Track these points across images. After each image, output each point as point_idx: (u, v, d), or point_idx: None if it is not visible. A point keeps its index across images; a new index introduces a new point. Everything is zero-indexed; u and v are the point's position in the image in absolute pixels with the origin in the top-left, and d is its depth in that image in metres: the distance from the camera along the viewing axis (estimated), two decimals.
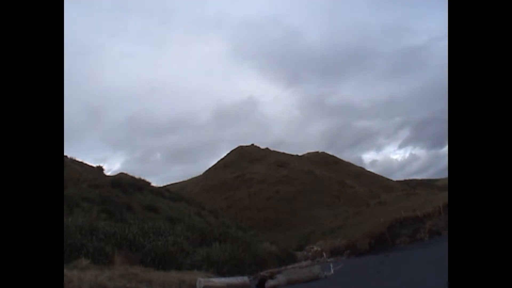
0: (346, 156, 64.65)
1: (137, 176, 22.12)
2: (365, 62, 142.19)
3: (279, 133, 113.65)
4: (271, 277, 8.36)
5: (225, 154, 55.08)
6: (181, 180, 54.35)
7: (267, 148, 54.69)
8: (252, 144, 54.69)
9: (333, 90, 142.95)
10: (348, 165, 56.22)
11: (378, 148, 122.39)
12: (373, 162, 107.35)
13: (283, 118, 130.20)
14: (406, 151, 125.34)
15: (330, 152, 59.86)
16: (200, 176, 52.08)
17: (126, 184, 17.98)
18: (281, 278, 8.33)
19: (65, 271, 5.32)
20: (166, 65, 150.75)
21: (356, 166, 56.57)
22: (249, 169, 46.17)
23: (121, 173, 24.23)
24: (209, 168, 52.84)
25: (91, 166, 22.83)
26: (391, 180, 53.18)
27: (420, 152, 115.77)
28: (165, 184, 40.74)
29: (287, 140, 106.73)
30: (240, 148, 54.35)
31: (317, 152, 58.91)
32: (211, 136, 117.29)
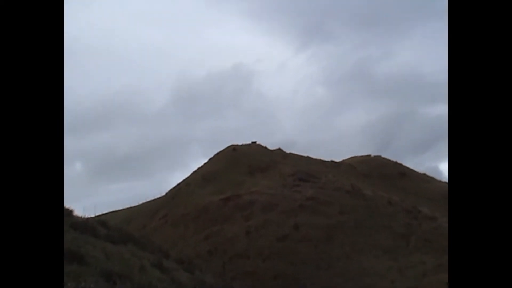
0: (409, 165, 65.12)
1: None
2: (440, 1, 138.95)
3: (290, 126, 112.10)
4: None
5: (205, 161, 54.44)
6: (125, 206, 54.52)
7: (278, 150, 54.11)
8: (254, 143, 54.19)
9: (384, 52, 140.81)
10: (425, 179, 56.25)
11: None
12: None
13: (297, 101, 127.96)
14: None
15: (387, 157, 59.98)
16: (160, 199, 52.00)
17: None
18: None
19: None
20: (89, 8, 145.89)
21: (439, 182, 56.84)
22: (248, 186, 45.67)
23: None
24: (177, 186, 52.65)
25: None
26: None
27: None
28: (97, 214, 40.09)
29: (304, 138, 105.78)
30: (232, 149, 53.82)
31: (368, 156, 59.40)
32: (174, 133, 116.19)
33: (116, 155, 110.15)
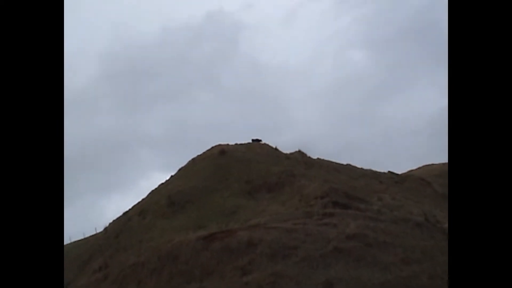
0: None
1: None
2: None
3: (309, 117, 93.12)
4: None
5: (171, 173, 44.07)
6: None
7: (298, 154, 42.54)
8: (257, 141, 45.16)
9: None
10: None
11: None
12: None
13: (320, 74, 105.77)
14: None
15: None
16: (94, 239, 41.31)
17: None
18: None
19: None
20: None
21: None
22: (246, 215, 35.58)
23: None
24: (123, 217, 41.01)
25: None
26: None
27: None
28: None
29: (335, 136, 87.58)
30: (219, 152, 43.42)
31: None
32: (109, 130, 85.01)
33: None
